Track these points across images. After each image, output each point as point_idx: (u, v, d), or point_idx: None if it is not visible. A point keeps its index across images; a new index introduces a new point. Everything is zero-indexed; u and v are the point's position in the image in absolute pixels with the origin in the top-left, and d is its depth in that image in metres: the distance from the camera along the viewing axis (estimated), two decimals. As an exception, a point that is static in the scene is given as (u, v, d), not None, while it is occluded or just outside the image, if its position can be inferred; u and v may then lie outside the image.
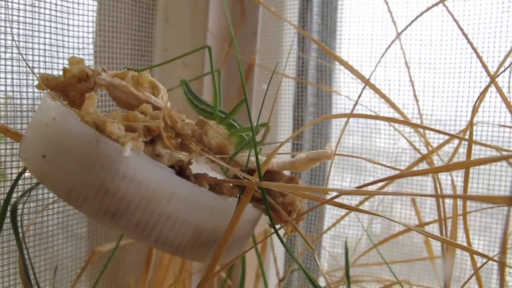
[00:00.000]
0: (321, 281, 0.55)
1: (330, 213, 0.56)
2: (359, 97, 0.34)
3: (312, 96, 0.54)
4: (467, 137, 0.32)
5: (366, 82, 0.35)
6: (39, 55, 0.40)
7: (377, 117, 0.38)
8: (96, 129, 0.25)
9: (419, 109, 0.40)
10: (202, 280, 0.26)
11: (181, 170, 0.28)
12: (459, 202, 0.34)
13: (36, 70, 0.39)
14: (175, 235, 0.25)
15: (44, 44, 0.40)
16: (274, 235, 0.55)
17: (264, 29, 0.51)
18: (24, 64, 0.38)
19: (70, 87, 0.30)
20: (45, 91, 0.30)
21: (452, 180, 0.40)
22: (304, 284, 0.55)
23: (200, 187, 0.26)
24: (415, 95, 0.40)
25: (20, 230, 0.30)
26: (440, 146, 0.39)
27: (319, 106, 0.54)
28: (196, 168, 0.29)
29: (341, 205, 0.27)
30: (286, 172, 0.33)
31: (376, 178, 0.51)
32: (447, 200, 0.39)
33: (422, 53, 0.45)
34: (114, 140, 0.24)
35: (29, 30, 0.40)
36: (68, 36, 0.43)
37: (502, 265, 0.26)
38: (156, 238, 0.25)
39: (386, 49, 0.35)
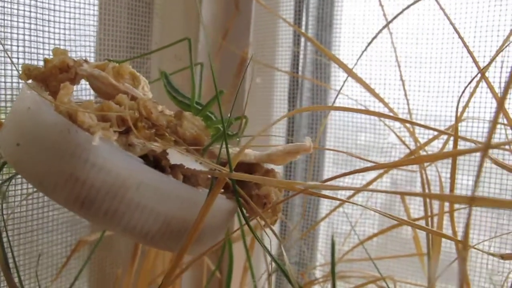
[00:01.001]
0: (317, 274, 0.55)
1: (327, 208, 0.56)
2: (341, 87, 0.34)
3: (308, 91, 0.54)
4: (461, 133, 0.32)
5: (350, 73, 0.35)
6: (43, 49, 0.41)
7: (361, 111, 0.37)
8: (69, 119, 0.25)
9: (408, 105, 0.40)
10: (170, 269, 0.26)
11: (156, 160, 0.29)
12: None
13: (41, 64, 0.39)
14: (143, 223, 0.26)
15: (50, 38, 0.41)
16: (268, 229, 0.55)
17: (258, 22, 0.51)
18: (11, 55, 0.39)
19: (51, 77, 0.30)
20: (27, 81, 0.30)
21: (440, 177, 0.40)
22: (299, 277, 0.55)
23: (169, 177, 0.26)
24: (404, 90, 0.40)
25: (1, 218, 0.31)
26: (428, 142, 0.39)
27: (315, 102, 0.54)
28: (181, 159, 0.29)
29: (316, 194, 0.28)
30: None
31: (366, 174, 0.51)
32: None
33: (413, 49, 0.45)
34: (85, 130, 0.25)
35: (33, 24, 0.41)
36: (70, 29, 0.44)
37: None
38: (125, 225, 0.25)
39: (370, 42, 0.35)
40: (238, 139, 0.30)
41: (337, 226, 0.55)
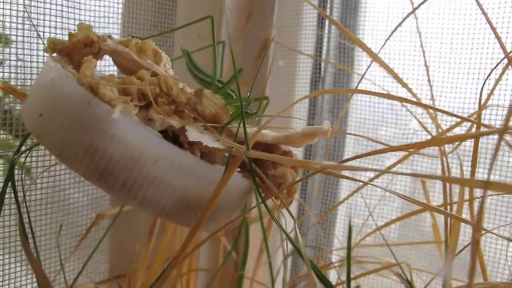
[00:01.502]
0: (334, 259, 0.55)
1: (345, 193, 0.56)
2: (365, 72, 0.33)
3: (331, 75, 0.54)
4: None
5: (374, 57, 0.35)
6: (67, 24, 0.42)
7: (384, 95, 0.37)
8: (91, 91, 0.26)
9: (431, 90, 0.39)
10: (184, 244, 0.27)
11: (174, 136, 0.29)
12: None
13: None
14: (160, 197, 0.26)
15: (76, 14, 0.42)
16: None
17: (282, 3, 0.50)
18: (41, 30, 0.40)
19: (75, 51, 0.31)
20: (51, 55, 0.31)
21: (461, 165, 0.39)
22: (315, 261, 0.55)
23: (187, 153, 0.26)
24: (428, 76, 0.40)
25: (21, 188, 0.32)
26: (451, 128, 0.38)
27: (338, 86, 0.53)
28: (200, 137, 0.29)
29: (334, 174, 0.28)
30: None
31: (386, 160, 0.50)
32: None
33: (438, 34, 0.44)
34: (106, 102, 0.25)
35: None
36: (96, 6, 0.45)
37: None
38: (142, 199, 0.26)
39: (397, 26, 0.34)
40: (257, 119, 0.30)
41: (355, 211, 0.55)
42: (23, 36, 0.39)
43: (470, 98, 0.44)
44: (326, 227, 0.55)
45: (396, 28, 0.35)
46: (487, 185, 0.20)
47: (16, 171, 0.32)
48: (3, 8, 0.38)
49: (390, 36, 0.35)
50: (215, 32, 0.48)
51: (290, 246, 0.55)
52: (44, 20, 0.41)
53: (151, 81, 0.28)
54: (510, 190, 0.20)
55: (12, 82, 0.38)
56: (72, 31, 0.31)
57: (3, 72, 0.39)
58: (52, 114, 0.26)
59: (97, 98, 0.25)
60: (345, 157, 0.56)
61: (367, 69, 0.34)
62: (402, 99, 0.35)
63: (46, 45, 0.31)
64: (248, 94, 0.29)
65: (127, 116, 0.25)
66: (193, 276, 0.48)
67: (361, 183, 0.43)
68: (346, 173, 0.52)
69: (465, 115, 0.40)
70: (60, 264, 0.38)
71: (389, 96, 0.38)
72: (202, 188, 0.27)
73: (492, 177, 0.43)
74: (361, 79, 0.34)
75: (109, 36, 0.32)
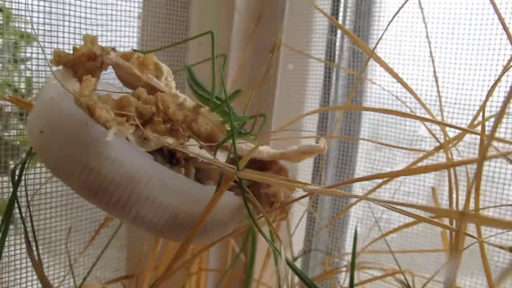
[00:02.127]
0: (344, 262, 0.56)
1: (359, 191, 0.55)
2: (362, 70, 0.33)
3: (344, 79, 0.54)
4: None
5: (371, 55, 0.35)
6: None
7: (391, 112, 0.37)
8: (88, 112, 0.27)
9: (440, 99, 0.39)
10: (174, 257, 0.28)
11: (171, 153, 0.30)
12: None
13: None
14: (152, 215, 0.27)
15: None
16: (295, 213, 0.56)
17: (292, 6, 0.50)
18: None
19: (79, 65, 0.32)
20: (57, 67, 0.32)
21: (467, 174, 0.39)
22: (327, 263, 0.56)
23: (177, 174, 0.27)
24: (437, 85, 0.39)
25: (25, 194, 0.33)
26: (455, 138, 0.38)
27: (351, 90, 0.53)
28: (200, 151, 0.30)
29: (330, 193, 0.28)
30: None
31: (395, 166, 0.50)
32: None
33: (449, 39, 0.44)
34: (101, 124, 0.26)
35: (78, 11, 0.43)
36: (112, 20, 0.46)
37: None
38: (135, 216, 0.27)
39: (396, 13, 0.34)
40: (252, 136, 0.31)
41: (366, 217, 0.55)
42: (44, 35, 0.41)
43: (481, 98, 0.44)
44: (338, 232, 0.55)
45: (390, 21, 0.34)
46: (462, 216, 0.20)
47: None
48: (25, 9, 0.39)
49: (382, 35, 0.34)
50: (226, 38, 0.49)
51: (299, 248, 0.56)
52: (58, 31, 0.42)
53: (148, 100, 0.29)
54: (487, 222, 0.20)
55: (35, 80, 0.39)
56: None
57: (25, 70, 0.40)
58: (51, 132, 0.27)
59: (93, 120, 0.26)
60: (358, 163, 0.56)
61: (364, 67, 0.33)
62: (410, 116, 0.35)
63: (52, 57, 0.32)
64: (243, 112, 0.30)
65: (121, 138, 0.26)
66: (203, 276, 0.50)
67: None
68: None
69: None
70: (69, 265, 0.39)
71: (397, 113, 0.38)
72: (194, 206, 0.28)
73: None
74: (360, 85, 0.34)
75: (113, 49, 0.33)
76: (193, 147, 0.30)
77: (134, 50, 0.33)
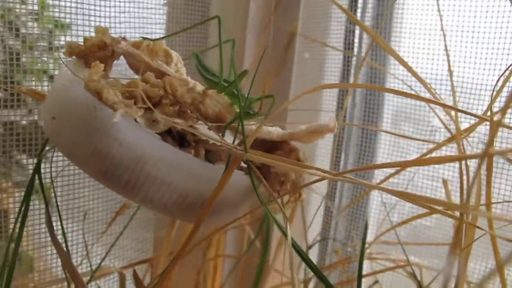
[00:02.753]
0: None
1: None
2: (364, 57, 0.33)
3: (362, 72, 0.53)
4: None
5: (374, 38, 0.34)
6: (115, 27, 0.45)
7: (406, 94, 0.36)
8: (97, 96, 0.27)
9: (452, 86, 0.38)
10: (186, 239, 0.28)
11: (181, 135, 0.30)
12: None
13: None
14: (160, 196, 0.27)
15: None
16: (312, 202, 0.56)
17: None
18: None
19: (90, 54, 0.32)
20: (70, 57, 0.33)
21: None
22: (343, 252, 0.55)
23: (186, 154, 0.28)
24: (449, 67, 0.38)
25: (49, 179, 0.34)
26: (469, 129, 0.37)
27: (371, 80, 0.52)
28: (210, 132, 0.30)
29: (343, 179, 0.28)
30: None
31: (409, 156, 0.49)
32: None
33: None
34: (109, 106, 0.27)
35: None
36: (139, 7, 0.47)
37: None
38: (143, 197, 0.27)
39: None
40: (259, 117, 0.31)
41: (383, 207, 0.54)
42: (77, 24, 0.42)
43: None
44: (356, 220, 0.55)
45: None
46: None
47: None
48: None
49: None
50: (242, 24, 0.49)
51: (315, 235, 0.56)
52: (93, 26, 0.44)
53: (157, 83, 0.30)
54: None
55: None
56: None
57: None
58: (62, 117, 0.28)
59: (101, 103, 0.27)
60: (381, 150, 0.55)
61: (366, 54, 0.33)
62: (426, 100, 0.34)
63: (65, 48, 0.33)
64: (248, 93, 0.30)
65: (128, 120, 0.27)
66: (220, 262, 0.50)
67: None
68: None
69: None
70: (85, 249, 0.40)
71: (413, 96, 0.37)
72: (203, 186, 0.28)
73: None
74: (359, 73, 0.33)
75: (124, 38, 0.34)
76: (203, 129, 0.31)
77: (144, 38, 0.33)
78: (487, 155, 0.26)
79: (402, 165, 0.39)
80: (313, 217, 0.49)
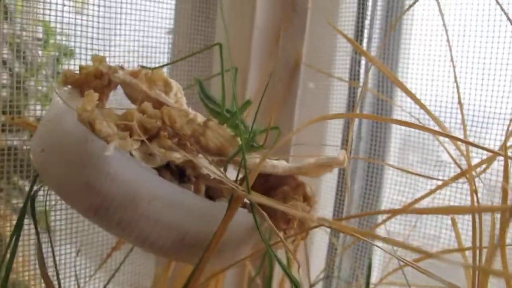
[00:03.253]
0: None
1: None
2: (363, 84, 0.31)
3: (369, 105, 0.51)
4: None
5: (394, 80, 0.32)
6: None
7: (413, 125, 0.34)
8: (90, 127, 0.25)
9: (463, 119, 0.36)
10: (186, 283, 0.26)
11: (180, 170, 0.28)
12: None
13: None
14: (156, 236, 0.25)
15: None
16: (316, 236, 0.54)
17: (315, 22, 0.49)
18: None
19: (86, 84, 0.31)
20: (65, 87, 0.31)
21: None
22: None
23: (184, 190, 0.26)
24: (461, 110, 0.36)
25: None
26: (479, 164, 0.35)
27: (377, 113, 0.51)
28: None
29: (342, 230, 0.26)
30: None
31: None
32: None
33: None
34: (102, 139, 0.25)
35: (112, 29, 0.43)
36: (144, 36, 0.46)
37: None
38: (136, 237, 0.25)
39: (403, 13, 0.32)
40: (264, 150, 0.29)
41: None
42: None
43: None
44: (362, 257, 0.52)
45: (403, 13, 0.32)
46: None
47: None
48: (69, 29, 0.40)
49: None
50: (246, 50, 0.48)
51: (319, 273, 0.53)
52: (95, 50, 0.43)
53: (154, 114, 0.28)
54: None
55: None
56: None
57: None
58: (52, 150, 0.26)
59: (94, 134, 0.25)
60: (386, 182, 0.53)
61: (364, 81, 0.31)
62: (436, 132, 0.32)
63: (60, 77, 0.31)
64: (252, 125, 0.28)
65: (122, 153, 0.25)
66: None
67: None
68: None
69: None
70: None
71: (424, 128, 0.35)
72: (204, 226, 0.26)
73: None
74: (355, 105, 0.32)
75: (121, 67, 0.32)
76: (203, 162, 0.29)
77: (142, 67, 0.32)
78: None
79: (407, 212, 0.37)
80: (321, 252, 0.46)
